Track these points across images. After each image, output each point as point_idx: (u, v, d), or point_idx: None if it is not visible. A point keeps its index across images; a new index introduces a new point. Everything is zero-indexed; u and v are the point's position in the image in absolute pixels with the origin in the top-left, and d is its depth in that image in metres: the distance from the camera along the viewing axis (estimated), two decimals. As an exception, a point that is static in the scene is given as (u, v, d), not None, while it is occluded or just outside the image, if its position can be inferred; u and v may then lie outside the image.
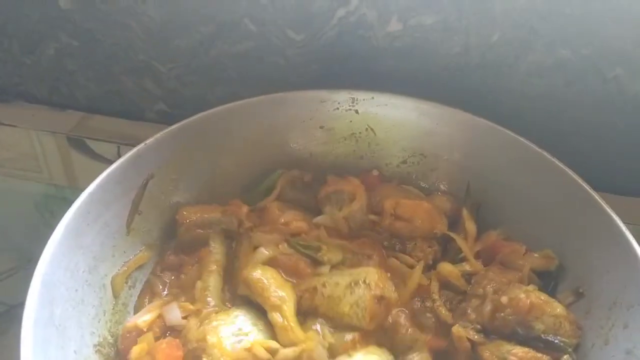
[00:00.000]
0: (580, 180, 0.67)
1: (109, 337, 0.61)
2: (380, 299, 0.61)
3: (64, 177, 1.00)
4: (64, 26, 0.93)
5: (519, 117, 0.79)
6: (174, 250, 0.70)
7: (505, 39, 0.80)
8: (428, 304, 0.65)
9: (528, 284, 0.65)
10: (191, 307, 0.63)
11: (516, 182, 0.72)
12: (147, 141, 0.68)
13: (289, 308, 0.60)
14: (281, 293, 0.61)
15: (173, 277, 0.68)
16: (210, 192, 0.75)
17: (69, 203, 0.61)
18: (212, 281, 0.65)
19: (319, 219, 0.72)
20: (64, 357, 0.54)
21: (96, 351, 0.59)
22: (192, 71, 0.94)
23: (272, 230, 0.69)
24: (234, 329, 0.59)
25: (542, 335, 0.60)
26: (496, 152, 0.74)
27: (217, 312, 0.61)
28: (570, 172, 0.68)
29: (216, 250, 0.68)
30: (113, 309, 0.64)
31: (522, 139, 0.72)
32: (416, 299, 0.66)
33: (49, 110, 1.03)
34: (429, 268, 0.69)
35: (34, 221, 0.99)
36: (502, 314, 0.61)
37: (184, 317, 0.62)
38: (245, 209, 0.73)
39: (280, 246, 0.66)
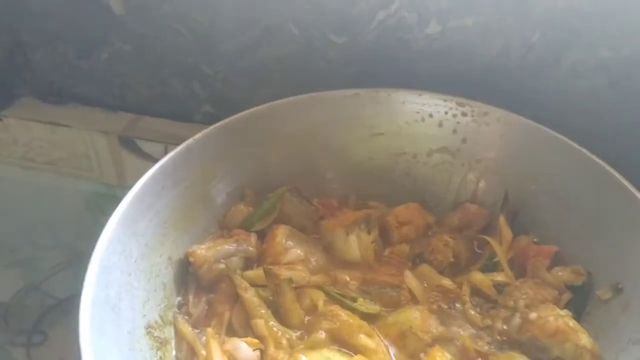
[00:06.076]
0: (620, 178, 0.67)
1: (160, 320, 0.64)
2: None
3: (114, 176, 1.04)
4: (117, 32, 0.98)
5: (560, 118, 0.79)
6: (195, 294, 0.68)
7: (546, 40, 0.81)
8: (458, 305, 0.67)
9: (564, 306, 0.65)
10: (256, 342, 0.62)
11: (554, 183, 0.73)
12: (196, 136, 0.71)
13: None
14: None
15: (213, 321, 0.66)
16: (257, 182, 0.77)
17: (118, 201, 0.64)
18: (269, 318, 0.64)
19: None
20: (119, 336, 0.57)
21: (147, 333, 0.61)
22: (238, 73, 0.97)
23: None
24: None
25: None
26: (537, 153, 0.75)
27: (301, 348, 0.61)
28: (613, 172, 0.68)
29: (250, 290, 0.66)
30: (163, 294, 0.66)
31: (561, 136, 0.73)
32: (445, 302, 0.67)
33: (101, 112, 1.07)
34: (454, 270, 0.71)
35: (83, 218, 1.02)
36: (527, 329, 0.62)
37: None
38: (253, 238, 0.71)
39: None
